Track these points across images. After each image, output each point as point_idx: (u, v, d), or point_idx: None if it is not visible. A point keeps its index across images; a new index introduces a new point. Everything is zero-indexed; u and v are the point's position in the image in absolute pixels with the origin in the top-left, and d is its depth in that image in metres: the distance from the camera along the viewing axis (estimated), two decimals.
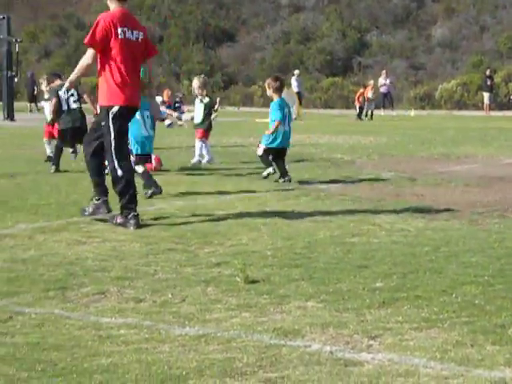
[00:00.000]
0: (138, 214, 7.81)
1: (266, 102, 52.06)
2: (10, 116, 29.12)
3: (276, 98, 11.72)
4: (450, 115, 40.28)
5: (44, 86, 13.67)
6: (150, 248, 6.74)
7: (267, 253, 6.55)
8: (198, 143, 13.64)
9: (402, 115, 38.85)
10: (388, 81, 40.94)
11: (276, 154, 11.50)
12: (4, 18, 29.80)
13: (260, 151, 11.54)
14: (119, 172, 7.87)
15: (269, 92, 11.87)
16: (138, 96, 8.09)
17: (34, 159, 14.11)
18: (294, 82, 39.10)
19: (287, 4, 64.19)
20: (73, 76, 8.19)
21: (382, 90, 40.51)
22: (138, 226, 7.69)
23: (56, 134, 13.05)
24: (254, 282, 5.58)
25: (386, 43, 58.01)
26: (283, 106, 11.69)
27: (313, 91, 53.24)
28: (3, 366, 3.90)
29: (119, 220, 7.79)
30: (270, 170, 11.40)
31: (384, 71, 41.93)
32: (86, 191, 10.00)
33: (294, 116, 35.37)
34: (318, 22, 61.32)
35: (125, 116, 7.96)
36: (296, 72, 40.42)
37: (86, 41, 7.89)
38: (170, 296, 5.24)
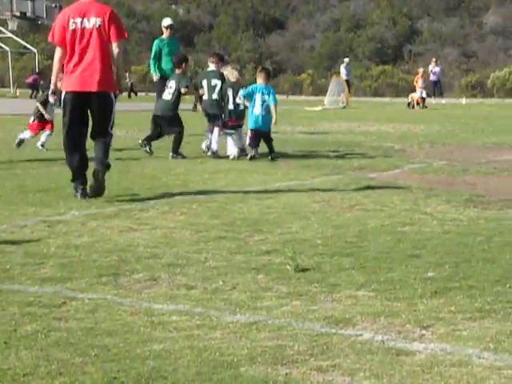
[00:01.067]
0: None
1: (316, 90, 51.97)
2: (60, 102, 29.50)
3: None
4: (503, 103, 39.74)
5: None
6: (201, 235, 6.77)
7: (317, 241, 6.53)
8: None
9: (453, 103, 38.42)
10: (438, 69, 40.50)
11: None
12: (56, 6, 30.16)
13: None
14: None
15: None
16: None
17: (87, 146, 14.24)
18: (342, 69, 38.94)
19: None
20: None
21: (432, 78, 40.10)
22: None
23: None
24: (304, 270, 5.57)
25: (438, 31, 57.43)
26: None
27: (362, 79, 52.94)
28: (57, 351, 3.95)
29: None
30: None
31: (434, 59, 41.50)
32: (137, 178, 10.10)
33: (343, 104, 35.37)
34: (368, 10, 60.95)
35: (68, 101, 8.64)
36: (346, 60, 40.26)
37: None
38: (220, 283, 5.26)
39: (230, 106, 12.82)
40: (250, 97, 12.56)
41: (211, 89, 12.72)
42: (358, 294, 5.02)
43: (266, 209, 8.07)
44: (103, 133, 8.70)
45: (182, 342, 4.11)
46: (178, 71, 13.16)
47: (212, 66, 13.09)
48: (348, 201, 8.60)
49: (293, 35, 61.57)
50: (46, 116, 13.85)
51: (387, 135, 18.00)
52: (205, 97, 12.92)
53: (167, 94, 12.85)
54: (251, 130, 12.54)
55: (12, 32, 43.76)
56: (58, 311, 4.62)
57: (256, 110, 12.51)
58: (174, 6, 65.77)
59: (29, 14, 29.60)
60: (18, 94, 45.13)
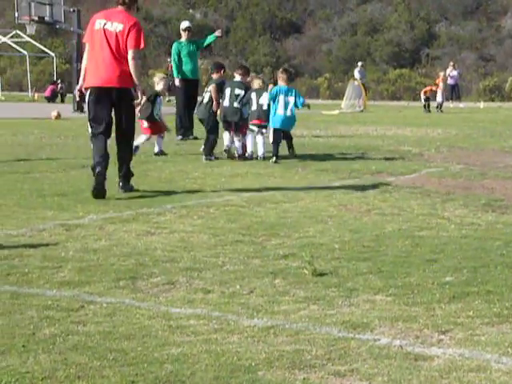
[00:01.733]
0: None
1: (333, 93, 51.95)
2: (80, 108, 29.55)
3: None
4: None
5: None
6: (218, 239, 6.77)
7: (335, 245, 6.52)
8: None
9: (471, 107, 38.29)
10: (456, 72, 40.39)
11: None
12: (74, 10, 30.25)
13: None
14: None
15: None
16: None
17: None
18: (356, 73, 38.84)
19: None
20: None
21: (450, 81, 40.00)
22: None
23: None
24: (321, 274, 5.57)
25: (455, 34, 57.27)
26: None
27: (380, 83, 52.85)
28: (76, 355, 3.97)
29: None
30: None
31: (451, 63, 41.40)
32: (155, 182, 10.12)
33: (360, 108, 35.32)
34: (385, 13, 60.86)
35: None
36: (359, 63, 40.13)
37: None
38: (238, 287, 5.27)
39: (254, 107, 13.06)
40: (273, 99, 12.86)
41: (233, 97, 12.95)
42: (376, 299, 5.01)
43: (283, 213, 8.07)
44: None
45: (200, 346, 4.12)
46: (215, 76, 13.61)
47: (238, 77, 13.37)
48: (365, 205, 8.59)
49: (310, 39, 61.57)
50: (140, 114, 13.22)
51: (404, 139, 17.95)
52: (226, 104, 13.06)
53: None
54: (274, 129, 12.84)
55: (30, 36, 44.00)
56: (76, 315, 4.64)
57: (280, 111, 12.80)
58: (191, 10, 65.94)
59: (47, 19, 29.66)
60: (36, 97, 45.37)
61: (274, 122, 12.85)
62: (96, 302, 4.89)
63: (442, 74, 36.32)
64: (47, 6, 29.68)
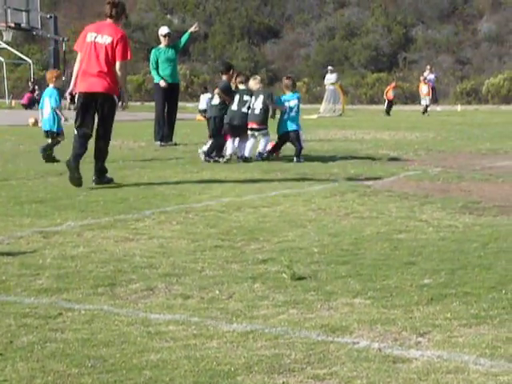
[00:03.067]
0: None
1: (311, 98, 52.01)
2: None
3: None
4: (497, 110, 39.82)
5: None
6: (197, 245, 6.77)
7: (314, 249, 6.54)
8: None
9: (448, 110, 38.50)
10: (433, 76, 40.61)
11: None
12: (51, 17, 30.21)
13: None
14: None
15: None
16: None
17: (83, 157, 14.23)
18: (333, 78, 38.55)
19: (332, 0, 63.97)
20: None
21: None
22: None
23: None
24: (300, 278, 5.58)
25: (432, 38, 57.59)
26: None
27: (358, 87, 53.03)
28: (54, 362, 3.95)
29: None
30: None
31: (428, 66, 41.62)
32: (133, 188, 10.09)
33: (339, 111, 35.40)
34: (362, 18, 61.09)
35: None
36: (329, 68, 39.86)
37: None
38: (217, 292, 5.26)
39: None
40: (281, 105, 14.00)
41: (242, 103, 13.60)
42: (355, 302, 5.03)
43: (263, 217, 8.08)
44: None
45: (179, 351, 4.11)
46: (224, 77, 14.19)
47: (242, 86, 14.00)
48: (344, 209, 8.61)
49: (288, 44, 61.67)
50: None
51: (383, 143, 18.03)
52: (234, 108, 13.62)
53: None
54: (284, 133, 13.96)
55: (7, 43, 43.81)
56: (54, 322, 4.62)
57: (284, 116, 13.97)
58: (168, 16, 65.87)
59: (24, 25, 29.57)
60: (13, 104, 45.13)
61: (283, 126, 13.92)
62: (74, 309, 4.87)
63: (422, 78, 36.54)
64: (24, 13, 29.61)
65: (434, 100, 40.90)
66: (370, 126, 25.41)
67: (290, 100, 14.03)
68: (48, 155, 13.21)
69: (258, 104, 13.64)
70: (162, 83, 17.05)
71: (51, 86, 13.59)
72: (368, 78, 54.16)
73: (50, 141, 13.48)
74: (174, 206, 8.72)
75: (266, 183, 10.68)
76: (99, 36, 10.19)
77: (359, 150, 15.98)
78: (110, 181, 10.38)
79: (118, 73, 10.12)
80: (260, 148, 13.84)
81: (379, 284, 5.42)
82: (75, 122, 10.29)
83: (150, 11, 66.54)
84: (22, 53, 52.82)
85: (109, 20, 10.41)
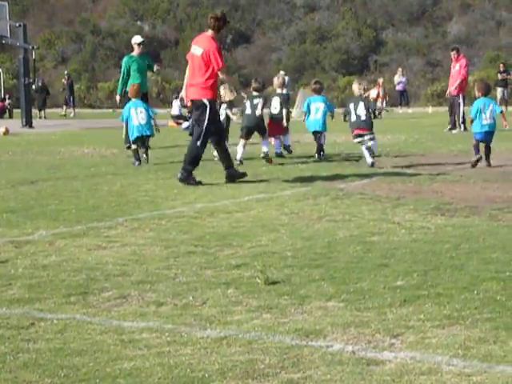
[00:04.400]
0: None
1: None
2: (29, 123, 29.24)
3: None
4: (468, 111, 40.11)
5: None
6: (170, 251, 6.75)
7: (287, 253, 6.54)
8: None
9: (419, 112, 38.71)
10: (404, 78, 40.78)
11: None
12: (20, 25, 29.94)
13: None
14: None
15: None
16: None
17: (54, 165, 14.19)
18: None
19: (302, 4, 64.13)
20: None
21: (399, 87, 40.40)
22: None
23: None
24: (274, 283, 5.58)
25: (402, 41, 57.87)
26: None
27: (329, 90, 53.15)
28: (26, 373, 3.92)
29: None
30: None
31: (400, 69, 41.79)
32: (105, 196, 10.05)
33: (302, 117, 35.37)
34: (333, 22, 61.26)
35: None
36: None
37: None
38: (190, 299, 5.25)
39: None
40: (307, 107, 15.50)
41: (254, 106, 14.37)
42: (328, 305, 5.04)
43: (236, 222, 8.07)
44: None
45: (153, 359, 4.10)
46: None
47: (255, 93, 14.77)
48: (317, 212, 8.63)
49: (259, 48, 61.71)
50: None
51: (354, 145, 18.05)
52: (248, 112, 14.40)
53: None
54: (312, 132, 15.47)
55: None
56: (27, 332, 4.59)
57: (311, 116, 15.41)
58: (139, 23, 65.67)
59: None
60: None
61: (310, 125, 15.41)
62: (47, 318, 4.84)
63: (380, 80, 36.67)
64: None
65: (406, 102, 41.08)
66: (341, 129, 25.46)
67: (317, 102, 15.37)
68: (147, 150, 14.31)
69: (361, 111, 13.94)
70: (118, 98, 17.22)
71: (134, 99, 14.40)
72: (339, 81, 54.33)
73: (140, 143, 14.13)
74: (147, 213, 8.70)
75: (238, 189, 10.67)
76: (195, 47, 11.36)
77: (331, 153, 16.01)
78: (196, 183, 11.02)
79: (221, 78, 11.46)
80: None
81: (352, 287, 5.43)
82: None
83: (120, 18, 66.29)
84: None
85: (209, 32, 11.38)
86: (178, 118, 27.18)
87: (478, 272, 5.74)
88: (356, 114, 14.00)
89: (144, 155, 14.10)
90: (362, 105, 14.09)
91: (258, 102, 14.41)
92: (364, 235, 7.29)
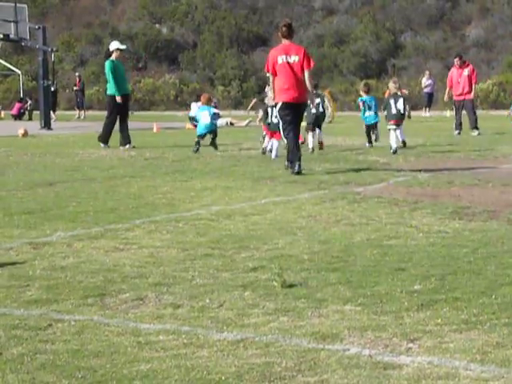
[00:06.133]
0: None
1: None
2: (47, 125, 29.37)
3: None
4: (486, 115, 39.90)
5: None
6: (187, 254, 6.76)
7: (304, 257, 6.54)
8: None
9: (437, 116, 38.60)
10: (431, 81, 40.66)
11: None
12: (39, 27, 30.11)
13: None
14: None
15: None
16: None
17: (72, 167, 14.25)
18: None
19: (320, 7, 64.09)
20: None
21: (427, 90, 40.27)
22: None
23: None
24: (291, 286, 5.58)
25: (421, 44, 57.69)
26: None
27: (347, 94, 53.10)
28: (44, 374, 3.94)
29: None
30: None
31: (427, 71, 41.72)
32: (123, 198, 10.08)
33: (328, 118, 35.38)
34: (351, 25, 61.18)
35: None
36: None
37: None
38: (207, 301, 5.26)
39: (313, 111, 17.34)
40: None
41: (316, 106, 17.11)
42: (345, 309, 5.03)
43: (253, 225, 8.07)
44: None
45: (169, 361, 4.10)
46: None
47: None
48: (334, 215, 8.62)
49: None
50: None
51: (372, 149, 18.04)
52: (313, 111, 17.16)
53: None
54: (366, 125, 18.75)
55: None
56: (44, 333, 4.61)
57: (366, 113, 18.57)
58: (157, 25, 65.84)
59: (12, 36, 29.46)
60: (2, 115, 45.02)
61: (367, 119, 18.55)
62: (64, 320, 4.86)
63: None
64: (12, 24, 29.51)
65: (426, 105, 40.95)
66: (359, 132, 25.42)
67: (367, 100, 18.50)
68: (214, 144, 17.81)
69: (401, 105, 16.93)
70: (119, 99, 18.75)
71: (204, 105, 18.59)
72: (357, 84, 54.20)
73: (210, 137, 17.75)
74: (164, 216, 8.71)
75: (255, 191, 10.67)
76: (288, 57, 12.72)
77: (349, 156, 15.99)
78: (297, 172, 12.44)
79: (307, 77, 12.72)
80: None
81: (369, 290, 5.42)
82: (283, 130, 12.88)
83: (138, 21, 66.50)
84: (11, 64, 52.77)
85: (287, 41, 12.95)
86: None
87: (495, 277, 5.71)
88: (396, 107, 16.89)
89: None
90: (401, 100, 17.06)
91: (318, 101, 17.21)
92: (381, 239, 7.27)
